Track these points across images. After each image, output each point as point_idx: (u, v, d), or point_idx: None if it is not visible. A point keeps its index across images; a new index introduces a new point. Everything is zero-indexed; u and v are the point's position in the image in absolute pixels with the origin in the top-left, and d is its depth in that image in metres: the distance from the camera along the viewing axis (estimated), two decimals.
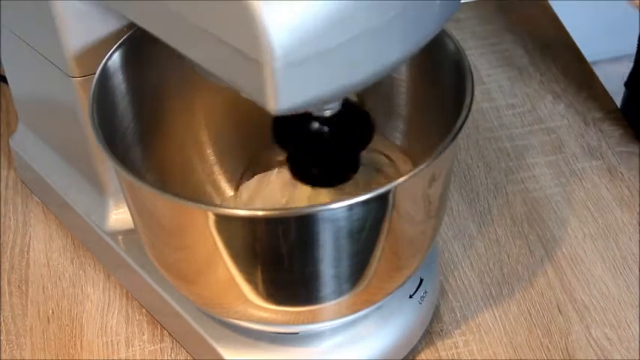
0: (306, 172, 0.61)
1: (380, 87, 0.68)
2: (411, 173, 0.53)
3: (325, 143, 0.59)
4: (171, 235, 0.58)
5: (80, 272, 0.79)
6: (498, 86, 0.96)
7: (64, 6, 0.61)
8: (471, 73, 0.59)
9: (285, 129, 0.60)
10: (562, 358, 0.70)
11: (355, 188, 0.65)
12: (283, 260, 0.56)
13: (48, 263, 0.80)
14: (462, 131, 0.56)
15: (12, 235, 0.82)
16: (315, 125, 0.58)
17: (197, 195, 0.74)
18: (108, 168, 0.71)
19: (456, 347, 0.72)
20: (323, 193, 0.67)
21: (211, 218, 0.53)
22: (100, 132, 0.57)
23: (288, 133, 0.60)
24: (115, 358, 0.72)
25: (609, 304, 0.74)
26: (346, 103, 0.57)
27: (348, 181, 0.62)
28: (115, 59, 0.63)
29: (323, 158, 0.60)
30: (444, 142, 0.55)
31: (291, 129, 0.59)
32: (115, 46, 0.63)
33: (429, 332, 0.72)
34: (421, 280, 0.69)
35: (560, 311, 0.74)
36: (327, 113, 0.56)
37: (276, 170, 0.71)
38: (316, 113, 0.57)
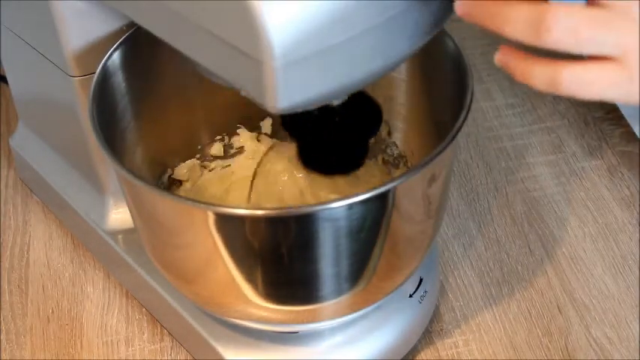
0: (317, 161, 0.62)
1: (380, 86, 0.68)
2: (411, 173, 0.53)
3: (334, 132, 0.59)
4: (171, 235, 0.58)
5: (80, 272, 0.79)
6: (498, 86, 0.96)
7: (64, 6, 0.61)
8: (471, 72, 0.59)
9: (293, 118, 0.60)
10: (562, 357, 0.70)
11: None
12: (283, 259, 0.56)
13: (48, 263, 0.80)
14: (462, 131, 0.56)
15: (12, 235, 0.82)
16: (324, 115, 0.58)
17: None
18: (108, 168, 0.71)
19: (456, 347, 0.71)
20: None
21: (211, 217, 0.53)
22: (100, 132, 0.57)
23: (297, 123, 0.60)
24: (115, 357, 0.72)
25: (609, 304, 0.74)
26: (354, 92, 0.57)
27: (359, 169, 0.62)
28: (114, 59, 0.63)
29: (332, 147, 0.61)
30: (444, 141, 0.55)
31: (300, 119, 0.60)
32: (115, 46, 0.63)
33: (429, 332, 0.72)
34: (421, 280, 0.69)
35: (560, 311, 0.74)
36: (335, 102, 0.57)
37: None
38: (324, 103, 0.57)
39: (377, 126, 0.62)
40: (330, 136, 0.60)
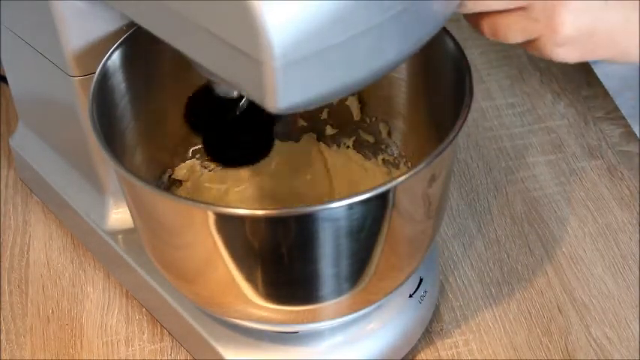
0: (221, 153, 0.62)
1: (380, 86, 0.69)
2: (411, 172, 0.53)
3: (238, 123, 0.59)
4: (171, 235, 0.58)
5: (80, 272, 0.79)
6: (498, 85, 0.96)
7: (64, 6, 0.61)
8: (471, 72, 0.59)
9: (196, 114, 0.61)
10: (562, 357, 0.70)
11: None
12: (283, 259, 0.56)
13: (48, 263, 0.80)
14: (462, 131, 0.56)
15: (12, 235, 0.82)
16: (225, 107, 0.58)
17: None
18: (108, 168, 0.71)
19: (456, 347, 0.71)
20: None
21: (211, 217, 0.53)
22: (100, 132, 0.57)
23: (200, 118, 0.61)
24: (115, 357, 0.72)
25: (609, 304, 0.74)
26: None
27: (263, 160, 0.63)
28: (114, 58, 0.63)
29: (236, 139, 0.61)
30: (444, 141, 0.55)
31: (202, 113, 0.60)
32: (115, 46, 0.63)
33: (429, 332, 0.72)
34: (421, 280, 0.69)
35: (560, 311, 0.74)
36: (235, 94, 0.57)
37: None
38: (223, 95, 0.57)
39: (278, 116, 0.62)
40: (231, 128, 0.60)
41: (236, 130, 0.60)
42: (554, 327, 0.73)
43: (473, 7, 0.57)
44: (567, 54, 0.59)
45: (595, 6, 0.58)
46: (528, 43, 0.59)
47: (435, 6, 0.51)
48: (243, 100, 0.58)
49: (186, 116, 0.62)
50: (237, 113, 0.59)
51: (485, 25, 0.58)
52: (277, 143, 0.76)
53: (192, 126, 0.62)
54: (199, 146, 0.75)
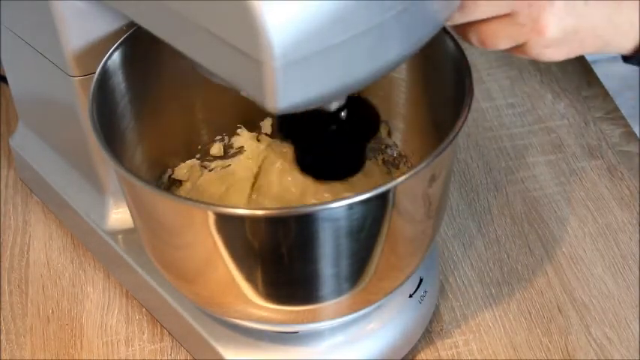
0: (313, 166, 0.62)
1: (380, 86, 0.69)
2: (411, 172, 0.53)
3: (331, 137, 0.59)
4: (171, 235, 0.58)
5: (80, 272, 0.79)
6: (498, 86, 0.96)
7: (64, 6, 0.61)
8: (471, 72, 0.59)
9: (290, 123, 0.60)
10: (562, 357, 0.70)
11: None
12: (283, 259, 0.56)
13: (48, 263, 0.80)
14: (462, 131, 0.56)
15: (12, 235, 0.82)
16: (322, 120, 0.58)
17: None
18: (108, 168, 0.71)
19: (456, 347, 0.71)
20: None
21: (211, 217, 0.53)
22: (100, 132, 0.56)
23: (295, 128, 0.60)
24: (115, 357, 0.72)
25: (609, 304, 0.74)
26: (351, 96, 0.57)
27: (355, 175, 0.63)
28: (114, 58, 0.63)
29: (329, 153, 0.61)
30: (444, 141, 0.55)
31: (297, 123, 0.59)
32: (115, 46, 0.63)
33: (429, 332, 0.72)
34: (421, 280, 0.69)
35: (560, 311, 0.74)
36: (333, 107, 0.56)
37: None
38: (322, 107, 0.57)
39: (374, 131, 0.62)
40: (327, 142, 0.60)
41: (331, 144, 0.60)
42: (554, 327, 0.73)
43: (460, 18, 0.57)
44: (555, 53, 0.60)
45: (577, 6, 0.59)
46: (516, 48, 0.60)
47: (435, 6, 0.51)
48: (342, 113, 0.58)
49: (280, 125, 0.62)
50: (334, 128, 0.59)
51: (473, 34, 0.59)
52: (277, 143, 0.76)
53: (285, 136, 0.62)
54: (200, 146, 0.75)
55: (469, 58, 0.60)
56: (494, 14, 0.57)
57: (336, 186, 0.73)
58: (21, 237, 0.82)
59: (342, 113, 0.57)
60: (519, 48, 0.59)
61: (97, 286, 0.77)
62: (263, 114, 0.75)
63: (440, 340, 0.72)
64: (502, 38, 0.58)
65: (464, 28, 0.59)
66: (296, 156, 0.61)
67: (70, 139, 0.74)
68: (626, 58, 0.66)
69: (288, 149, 0.76)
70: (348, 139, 0.60)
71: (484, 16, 0.57)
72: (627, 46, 0.63)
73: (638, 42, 0.63)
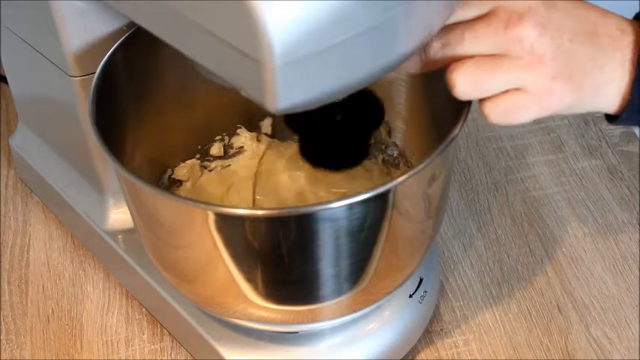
0: (319, 157, 0.62)
1: (380, 86, 0.68)
2: (411, 173, 0.53)
3: (337, 128, 0.59)
4: (170, 235, 0.58)
5: (80, 272, 0.79)
6: None
7: (64, 6, 0.61)
8: None
9: (296, 114, 0.61)
10: (562, 357, 0.70)
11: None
12: (283, 259, 0.56)
13: (48, 263, 0.80)
14: (462, 131, 0.56)
15: (12, 235, 0.82)
16: (327, 110, 0.58)
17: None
18: (108, 168, 0.71)
19: (456, 347, 0.72)
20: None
21: (211, 217, 0.53)
22: (100, 132, 0.56)
23: (300, 119, 0.61)
24: (115, 357, 0.72)
25: (609, 304, 0.74)
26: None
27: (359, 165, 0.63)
28: (114, 58, 0.62)
29: (335, 143, 0.61)
30: (444, 141, 0.55)
31: (303, 114, 0.60)
32: (115, 46, 0.63)
33: (429, 332, 0.72)
34: (421, 280, 0.69)
35: (560, 311, 0.74)
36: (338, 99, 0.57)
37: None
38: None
39: (379, 121, 0.62)
40: (333, 132, 0.60)
41: (335, 135, 0.60)
42: (554, 327, 0.73)
43: (442, 52, 0.54)
44: (564, 89, 0.55)
45: (564, 38, 0.55)
46: (521, 92, 0.54)
47: (436, 6, 0.51)
48: (348, 104, 0.58)
49: (285, 115, 0.62)
50: (338, 118, 0.59)
51: (465, 82, 0.54)
52: (277, 143, 0.76)
53: (290, 126, 0.62)
54: (200, 146, 0.75)
55: None
56: (480, 52, 0.53)
57: (337, 185, 0.73)
58: (21, 237, 0.82)
59: (347, 103, 0.57)
60: (524, 91, 0.54)
61: (97, 286, 0.77)
62: (263, 114, 0.76)
63: (440, 340, 0.72)
64: (519, 113, 0.54)
65: (449, 74, 0.54)
66: (301, 146, 0.62)
67: (69, 139, 0.74)
68: (611, 118, 0.61)
69: (287, 149, 0.76)
70: (352, 129, 0.60)
71: (469, 53, 0.54)
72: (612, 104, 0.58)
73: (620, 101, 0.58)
